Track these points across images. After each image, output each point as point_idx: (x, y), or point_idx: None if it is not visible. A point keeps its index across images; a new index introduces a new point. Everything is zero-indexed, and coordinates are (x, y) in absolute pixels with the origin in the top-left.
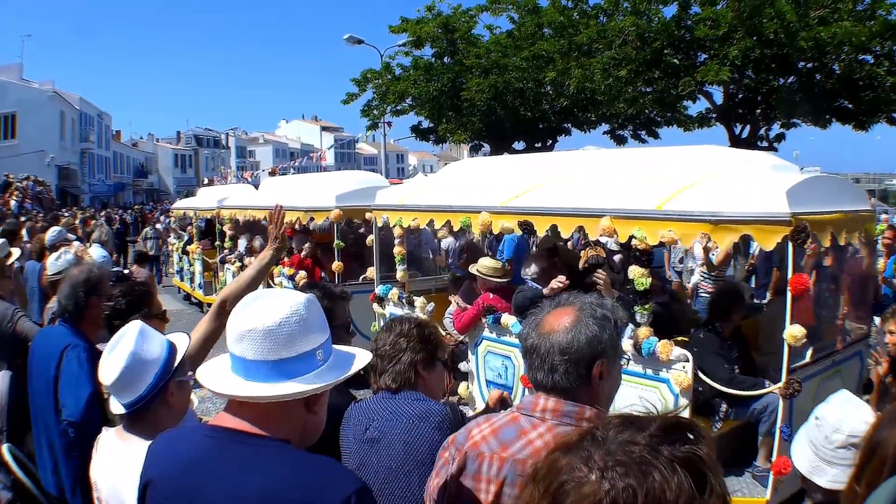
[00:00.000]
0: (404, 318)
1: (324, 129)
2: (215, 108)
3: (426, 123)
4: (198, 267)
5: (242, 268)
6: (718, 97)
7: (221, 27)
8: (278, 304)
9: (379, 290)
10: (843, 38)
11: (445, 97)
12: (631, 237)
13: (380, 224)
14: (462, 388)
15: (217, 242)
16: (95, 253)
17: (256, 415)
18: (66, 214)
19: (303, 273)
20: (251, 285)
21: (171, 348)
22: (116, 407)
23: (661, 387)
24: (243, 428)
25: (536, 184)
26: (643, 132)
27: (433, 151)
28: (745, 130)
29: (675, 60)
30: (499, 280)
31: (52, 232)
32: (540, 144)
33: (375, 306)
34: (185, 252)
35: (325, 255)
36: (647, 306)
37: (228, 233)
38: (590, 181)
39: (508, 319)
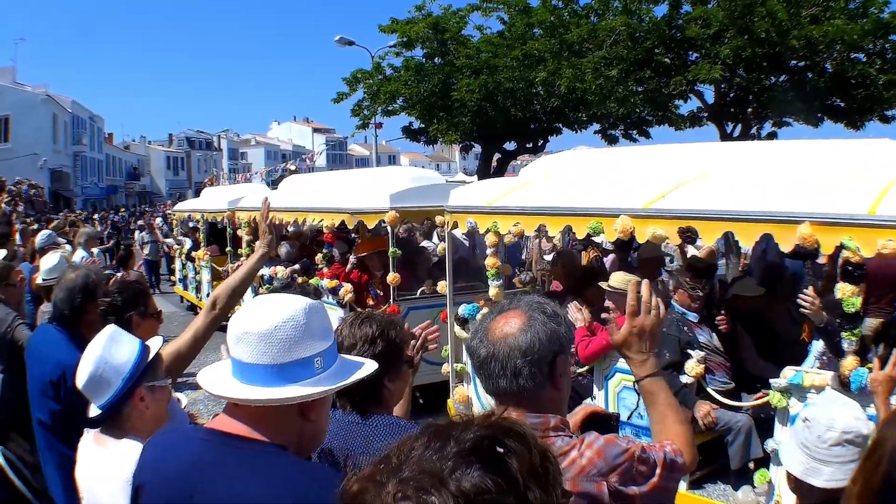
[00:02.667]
0: (364, 319)
1: (315, 130)
2: (207, 111)
3: (417, 124)
4: (205, 275)
5: (269, 282)
6: (710, 96)
7: (212, 29)
8: (277, 309)
9: (463, 310)
10: (835, 36)
11: (436, 98)
12: (840, 247)
13: (464, 230)
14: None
15: (228, 248)
16: (77, 255)
17: (252, 419)
18: (57, 217)
19: (348, 286)
20: (243, 284)
21: (143, 353)
22: (93, 410)
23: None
24: (239, 432)
25: (679, 181)
26: (634, 132)
27: (425, 152)
28: (737, 129)
29: (667, 60)
30: None
31: (43, 235)
32: (531, 144)
33: (457, 329)
34: (189, 258)
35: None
36: (856, 331)
37: (246, 238)
38: (754, 179)
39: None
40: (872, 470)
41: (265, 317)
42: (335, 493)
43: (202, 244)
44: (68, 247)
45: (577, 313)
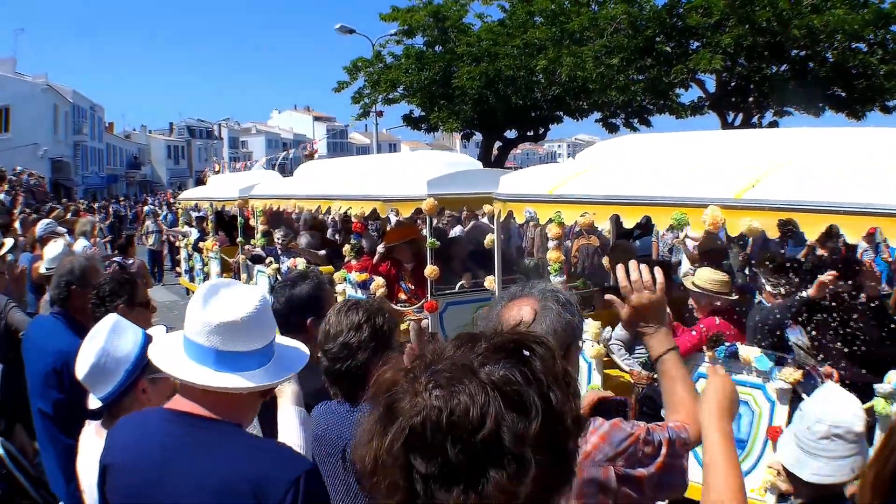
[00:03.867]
0: (351, 306)
1: (316, 119)
2: (207, 100)
3: (418, 112)
4: (214, 266)
5: (281, 272)
6: (711, 85)
7: (213, 17)
8: (245, 297)
9: None
10: (836, 26)
11: (437, 86)
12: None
13: (521, 220)
14: None
15: (239, 238)
16: (79, 244)
17: (213, 400)
18: (57, 207)
19: (380, 280)
20: None
21: (145, 344)
22: (93, 402)
23: None
24: (199, 412)
25: (764, 169)
26: (635, 120)
27: (425, 140)
28: (738, 118)
29: (668, 48)
30: (728, 298)
31: (42, 224)
32: (532, 133)
33: None
34: (196, 249)
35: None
36: None
37: (261, 227)
38: (846, 168)
39: (749, 352)
40: (886, 457)
41: (242, 306)
42: (291, 467)
43: (210, 234)
44: (68, 236)
45: None
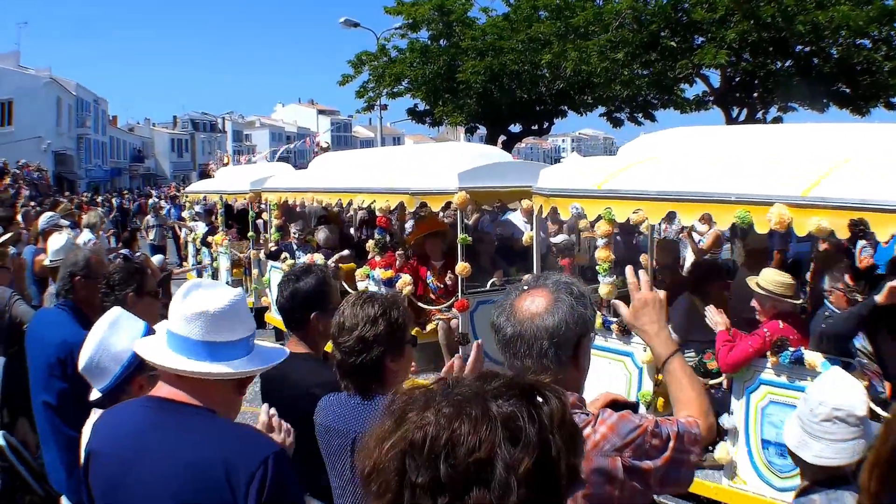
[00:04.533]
0: (366, 299)
1: (320, 112)
2: (211, 93)
3: (422, 106)
4: (223, 262)
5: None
6: (716, 80)
7: (218, 11)
8: (221, 292)
9: None
10: (841, 22)
11: (441, 79)
12: None
13: (566, 216)
14: (720, 450)
15: (250, 233)
16: (83, 237)
17: (190, 387)
18: (63, 200)
19: (407, 278)
20: None
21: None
22: (94, 392)
23: None
24: (176, 397)
25: (829, 166)
26: (640, 115)
27: (429, 134)
28: (743, 114)
29: (672, 43)
30: (793, 302)
31: (45, 217)
32: (536, 127)
33: None
34: (205, 243)
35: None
36: None
37: (276, 221)
38: None
39: (814, 358)
40: (884, 440)
41: (216, 299)
42: (259, 449)
43: (220, 228)
44: (70, 229)
45: (717, 316)
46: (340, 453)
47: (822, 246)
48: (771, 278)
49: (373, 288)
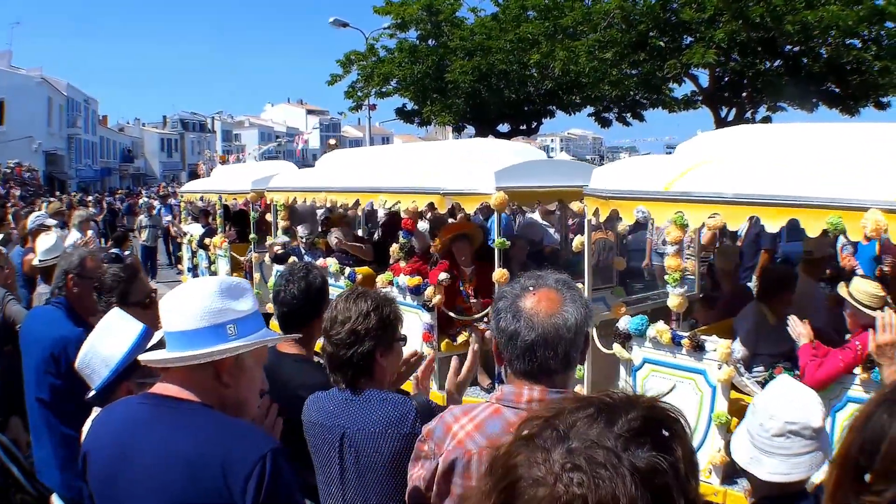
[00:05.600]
0: (359, 294)
1: (309, 112)
2: (201, 93)
3: (411, 106)
4: (222, 265)
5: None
6: (704, 80)
7: (207, 10)
8: (192, 284)
9: (627, 323)
10: (830, 22)
11: (430, 79)
12: None
13: (630, 220)
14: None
15: (252, 235)
16: (71, 237)
17: (180, 382)
18: (53, 200)
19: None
20: None
21: (137, 346)
22: (92, 391)
23: None
24: (170, 393)
25: None
26: (628, 114)
27: (418, 134)
28: (732, 113)
29: (661, 43)
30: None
31: (33, 217)
32: (525, 127)
33: (616, 347)
34: (202, 245)
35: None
36: None
37: (282, 223)
38: None
39: None
40: (845, 439)
41: (185, 291)
42: (258, 445)
43: (219, 229)
44: (59, 229)
45: (800, 327)
46: (328, 449)
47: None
48: (863, 289)
49: (397, 297)
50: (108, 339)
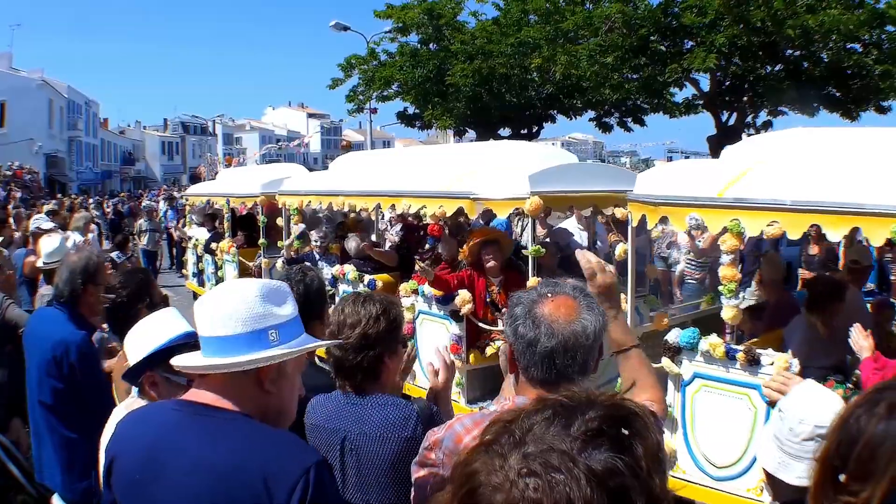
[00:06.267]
0: (366, 297)
1: (310, 115)
2: (202, 96)
3: (412, 109)
4: (230, 271)
5: (333, 284)
6: (705, 84)
7: (208, 14)
8: (232, 287)
9: (678, 336)
10: (831, 26)
11: (431, 83)
12: None
13: (682, 228)
14: None
15: (262, 240)
16: (72, 239)
17: (218, 389)
18: (52, 202)
19: (466, 294)
20: None
21: (174, 342)
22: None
23: None
24: (206, 401)
25: None
26: (629, 119)
27: (419, 138)
28: (733, 118)
29: (662, 47)
30: None
31: (35, 219)
32: (526, 131)
33: (665, 361)
34: (209, 250)
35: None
36: None
37: (295, 229)
38: None
39: None
40: (830, 436)
41: (224, 295)
42: (302, 457)
43: (226, 234)
44: (61, 231)
45: (862, 339)
46: (329, 452)
47: (814, 249)
48: None
49: (422, 306)
50: (158, 327)
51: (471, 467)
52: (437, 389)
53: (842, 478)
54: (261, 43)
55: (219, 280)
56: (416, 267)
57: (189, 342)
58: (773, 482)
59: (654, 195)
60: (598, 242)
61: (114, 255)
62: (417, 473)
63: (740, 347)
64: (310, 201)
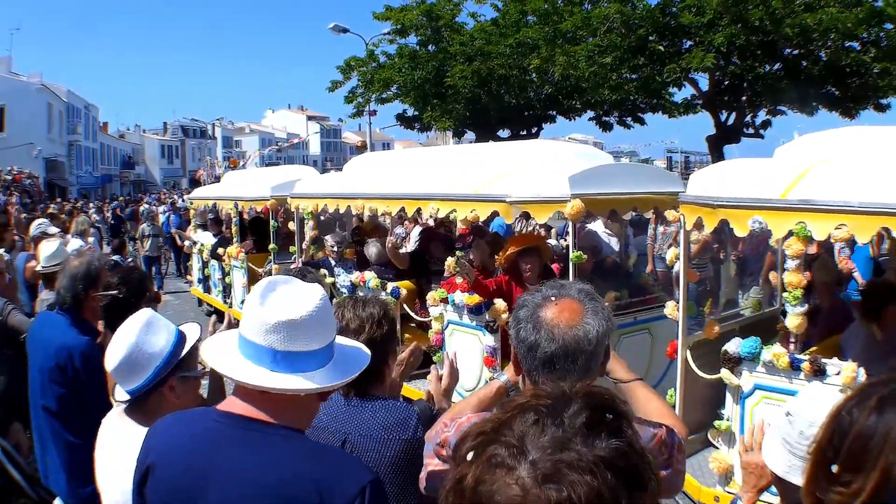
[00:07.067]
0: (364, 301)
1: (310, 118)
2: (202, 99)
3: (411, 111)
4: (238, 277)
5: (351, 291)
6: (704, 84)
7: (208, 17)
8: (305, 295)
9: (738, 347)
10: (830, 24)
11: (430, 85)
12: None
13: (744, 232)
14: None
15: (272, 245)
16: (73, 244)
17: (268, 403)
18: (52, 206)
19: (501, 304)
20: None
21: (179, 342)
22: (120, 394)
23: None
24: (254, 415)
25: None
26: (629, 119)
27: (418, 140)
28: (731, 117)
29: (661, 47)
30: None
31: (36, 224)
32: (525, 132)
33: (725, 373)
34: (215, 256)
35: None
36: None
37: (310, 233)
38: None
39: None
40: (824, 428)
41: (300, 305)
42: (357, 475)
43: (234, 239)
44: (61, 236)
45: None
46: None
47: (812, 248)
48: None
49: (452, 316)
50: (153, 336)
51: (482, 488)
52: (438, 393)
53: (834, 468)
54: (260, 45)
55: (226, 287)
56: (456, 267)
57: (183, 342)
58: (782, 485)
59: (712, 197)
60: (629, 246)
61: (114, 258)
62: (429, 460)
63: (805, 357)
64: (326, 205)
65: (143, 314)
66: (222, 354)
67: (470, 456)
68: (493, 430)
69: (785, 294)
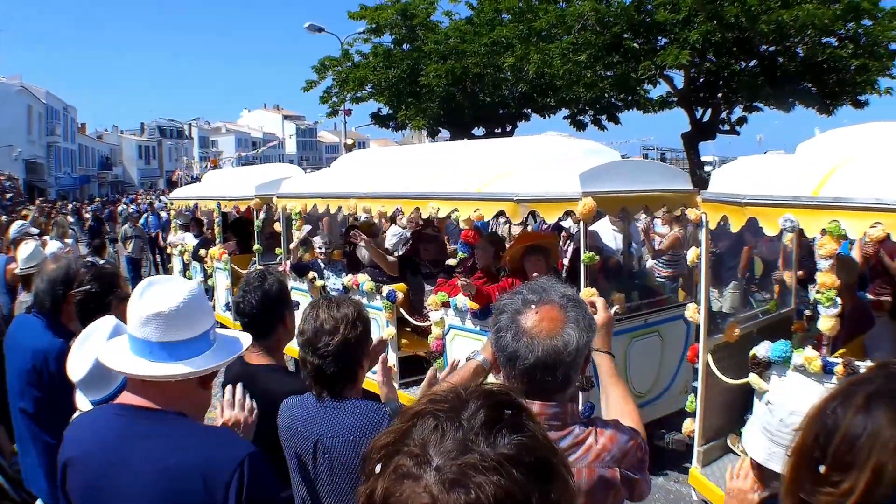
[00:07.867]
0: (338, 301)
1: (286, 117)
2: (178, 99)
3: (386, 110)
4: (221, 279)
5: (326, 292)
6: (679, 81)
7: (184, 17)
8: (176, 289)
9: (768, 350)
10: (806, 20)
11: (404, 83)
12: None
13: (774, 231)
14: None
15: (257, 246)
16: (52, 246)
17: (156, 392)
18: (30, 208)
19: None
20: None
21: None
22: (83, 402)
23: None
24: (146, 404)
25: None
26: (603, 117)
27: (394, 139)
28: (707, 114)
29: (635, 45)
30: None
31: (16, 226)
32: (500, 130)
33: (753, 378)
34: (197, 258)
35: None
36: None
37: (297, 234)
38: None
39: None
40: (805, 426)
41: (170, 297)
42: (235, 450)
43: (217, 240)
44: (37, 238)
45: None
46: (303, 455)
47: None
48: None
49: (453, 321)
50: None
51: (393, 500)
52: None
53: (822, 469)
54: (236, 45)
55: (209, 289)
56: (458, 282)
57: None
58: (761, 472)
59: (740, 195)
60: (634, 245)
61: (91, 259)
62: None
63: (838, 360)
64: (315, 204)
65: (107, 322)
66: (114, 351)
67: (378, 469)
68: (394, 440)
69: (817, 295)
